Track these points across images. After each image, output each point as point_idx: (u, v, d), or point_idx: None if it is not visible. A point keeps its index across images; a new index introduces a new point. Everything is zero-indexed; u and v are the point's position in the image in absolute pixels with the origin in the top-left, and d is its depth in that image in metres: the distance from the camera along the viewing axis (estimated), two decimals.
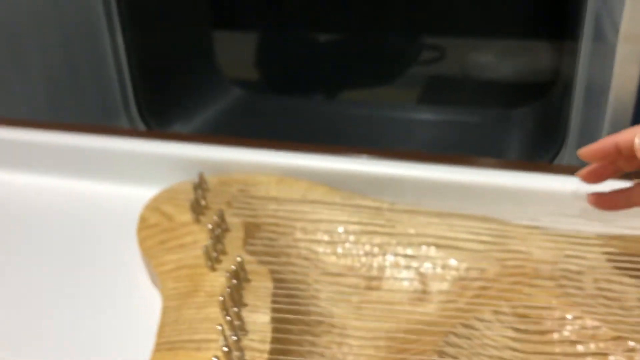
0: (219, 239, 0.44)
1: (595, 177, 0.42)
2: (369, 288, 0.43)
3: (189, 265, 0.43)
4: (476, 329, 0.37)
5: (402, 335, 0.38)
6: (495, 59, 1.06)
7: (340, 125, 1.15)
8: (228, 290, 0.38)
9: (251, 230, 0.46)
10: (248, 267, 0.41)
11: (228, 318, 0.36)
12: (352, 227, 0.46)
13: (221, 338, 0.35)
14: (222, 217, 0.46)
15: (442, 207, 0.48)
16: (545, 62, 1.02)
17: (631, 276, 0.40)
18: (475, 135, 1.06)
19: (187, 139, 0.57)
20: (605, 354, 0.35)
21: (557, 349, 0.36)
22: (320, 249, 0.45)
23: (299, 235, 0.46)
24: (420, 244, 0.44)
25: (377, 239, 0.45)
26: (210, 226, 0.44)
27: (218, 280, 0.41)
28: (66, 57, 0.90)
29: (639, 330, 0.36)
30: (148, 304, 0.45)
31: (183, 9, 1.11)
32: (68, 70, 0.91)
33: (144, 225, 0.49)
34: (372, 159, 0.53)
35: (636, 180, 0.42)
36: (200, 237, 0.45)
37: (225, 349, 0.34)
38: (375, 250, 0.44)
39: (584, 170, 0.42)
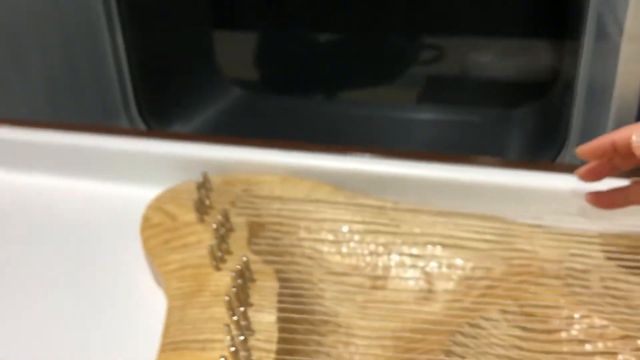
0: (223, 239, 0.43)
1: (593, 176, 0.42)
2: (374, 287, 0.43)
3: (193, 265, 0.43)
4: (483, 328, 0.37)
5: (409, 334, 0.38)
6: (495, 59, 1.06)
7: (340, 125, 1.15)
8: (234, 289, 0.38)
9: (255, 229, 0.46)
10: (253, 266, 0.41)
11: (234, 318, 0.36)
12: (356, 227, 0.46)
13: (227, 338, 0.35)
14: (226, 216, 0.45)
15: (445, 206, 0.48)
16: (546, 61, 1.02)
17: (637, 274, 0.40)
18: (476, 135, 1.06)
19: (189, 138, 0.57)
20: (614, 353, 0.35)
21: (565, 348, 0.36)
22: (325, 248, 0.45)
23: (303, 234, 0.46)
24: (425, 243, 0.44)
25: (382, 238, 0.45)
26: (214, 226, 0.44)
27: (223, 280, 0.40)
28: (66, 57, 0.90)
29: None
30: (152, 303, 0.44)
31: (183, 8, 1.11)
32: (68, 70, 0.91)
33: (147, 225, 0.48)
34: (375, 158, 0.53)
35: (634, 179, 0.42)
36: (204, 236, 0.45)
37: (233, 348, 0.34)
38: (380, 249, 0.44)
39: (582, 169, 0.42)
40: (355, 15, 1.12)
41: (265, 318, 0.37)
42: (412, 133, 1.11)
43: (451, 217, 0.46)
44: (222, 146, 0.55)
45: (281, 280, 0.41)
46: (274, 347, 0.35)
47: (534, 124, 1.03)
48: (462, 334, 0.37)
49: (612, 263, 0.40)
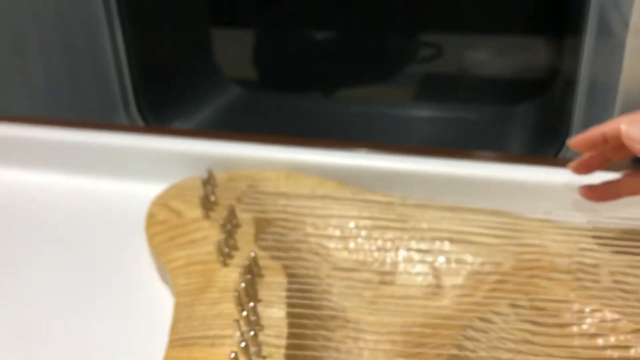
0: (230, 235, 0.43)
1: (585, 168, 0.43)
2: (383, 283, 0.42)
3: (200, 261, 0.43)
4: (493, 323, 0.37)
5: (419, 329, 0.38)
6: (495, 56, 1.06)
7: (339, 124, 1.15)
8: (242, 285, 0.37)
9: (262, 225, 0.46)
10: (261, 262, 0.41)
11: (244, 313, 0.36)
12: (363, 222, 0.46)
13: (237, 333, 0.35)
14: (232, 212, 0.45)
15: (452, 201, 0.47)
16: (546, 58, 1.02)
17: None
18: (476, 133, 1.06)
19: (192, 134, 0.56)
20: (626, 347, 0.34)
21: (576, 342, 0.36)
22: (332, 244, 0.45)
23: (309, 230, 0.46)
24: (433, 239, 0.44)
25: (389, 234, 0.45)
26: (221, 222, 0.44)
27: (231, 276, 0.40)
28: (66, 54, 0.90)
29: None
30: (158, 300, 0.44)
31: (182, 7, 1.11)
32: (68, 69, 0.90)
33: (152, 221, 0.48)
34: (380, 154, 0.53)
35: (624, 172, 0.43)
36: (210, 233, 0.45)
37: (243, 344, 0.34)
38: (388, 245, 0.44)
39: (574, 162, 0.43)
40: (354, 13, 1.11)
41: (274, 313, 0.37)
42: (411, 131, 1.11)
43: (459, 212, 0.45)
44: (226, 142, 0.55)
45: (288, 275, 0.40)
46: (283, 342, 0.35)
47: (535, 121, 1.03)
48: (473, 328, 0.36)
49: (622, 257, 0.40)
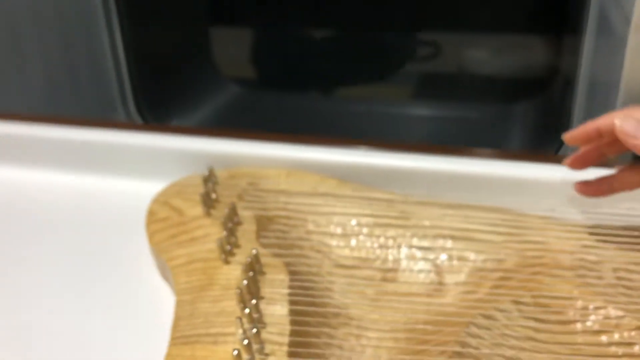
0: (232, 232, 0.43)
1: (580, 163, 0.43)
2: (385, 280, 0.42)
3: (201, 258, 0.42)
4: (497, 320, 0.37)
5: (422, 326, 0.38)
6: (494, 54, 1.06)
7: (338, 123, 1.14)
8: (245, 282, 0.37)
9: (263, 223, 0.45)
10: (263, 259, 0.40)
11: (246, 310, 0.35)
12: (365, 220, 0.46)
13: (239, 331, 0.35)
14: (234, 210, 0.45)
15: (453, 198, 0.47)
16: (546, 57, 1.02)
17: None
18: (476, 132, 1.06)
19: (193, 132, 0.56)
20: (631, 344, 0.34)
21: (580, 339, 0.35)
22: (334, 241, 0.45)
23: (311, 227, 0.46)
24: (435, 236, 0.44)
25: (391, 231, 0.45)
26: (222, 219, 0.44)
27: (233, 274, 0.40)
28: (65, 54, 0.89)
29: None
30: (159, 298, 0.44)
31: (181, 5, 1.11)
32: (66, 67, 0.90)
33: (153, 219, 0.48)
34: (380, 151, 0.53)
35: (618, 167, 0.43)
36: (211, 230, 0.44)
37: (246, 341, 0.33)
38: (390, 242, 0.44)
39: (569, 158, 0.43)
40: (353, 12, 1.11)
41: (277, 311, 0.37)
42: (410, 130, 1.11)
43: (461, 209, 0.45)
44: (226, 140, 0.55)
45: (290, 273, 0.40)
46: (286, 339, 0.35)
47: (535, 120, 1.03)
48: (476, 325, 0.36)
49: (625, 254, 0.40)
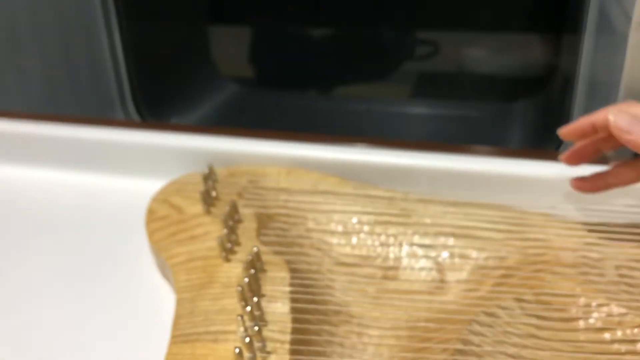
0: (232, 230, 0.43)
1: (576, 159, 0.43)
2: (386, 278, 0.42)
3: (201, 256, 0.42)
4: (499, 317, 0.37)
5: (423, 324, 0.37)
6: (494, 53, 1.06)
7: (337, 122, 1.14)
8: (246, 280, 0.37)
9: (263, 221, 0.45)
10: (264, 257, 0.40)
11: (247, 308, 0.35)
12: (365, 218, 0.45)
13: (240, 329, 0.35)
14: (234, 207, 0.45)
15: (454, 196, 0.47)
16: (545, 55, 1.02)
17: None
18: (475, 131, 1.06)
19: (193, 130, 0.56)
20: (634, 341, 0.34)
21: (583, 337, 0.35)
22: (334, 239, 0.45)
23: (311, 225, 0.46)
24: (437, 234, 0.43)
25: (392, 229, 0.44)
26: (223, 217, 0.43)
27: (233, 271, 0.40)
28: (63, 51, 0.89)
29: None
30: (159, 296, 0.44)
31: (180, 4, 1.10)
32: (65, 65, 0.90)
33: (152, 217, 0.48)
34: (381, 149, 0.53)
35: (613, 163, 0.43)
36: (211, 228, 0.44)
37: (247, 339, 0.33)
38: (391, 240, 0.44)
39: (565, 153, 0.43)
40: (352, 11, 1.11)
41: (278, 309, 0.36)
42: (409, 129, 1.10)
43: (462, 207, 0.45)
44: (226, 138, 0.55)
45: (291, 271, 0.40)
46: (288, 337, 0.35)
47: (534, 119, 1.03)
48: (478, 323, 0.36)
49: (627, 251, 0.40)
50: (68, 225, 0.51)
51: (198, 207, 0.46)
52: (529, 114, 1.04)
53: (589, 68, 0.75)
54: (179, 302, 0.39)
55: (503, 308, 0.37)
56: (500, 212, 0.44)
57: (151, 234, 0.46)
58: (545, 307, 0.37)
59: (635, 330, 0.35)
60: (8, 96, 0.79)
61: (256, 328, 0.34)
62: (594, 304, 0.36)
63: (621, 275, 0.39)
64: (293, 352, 0.34)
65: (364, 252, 0.44)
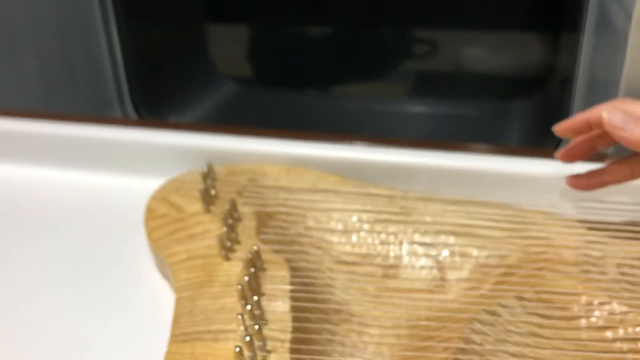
0: (232, 228, 0.43)
1: (571, 156, 0.44)
2: (386, 276, 0.42)
3: (201, 255, 0.42)
4: (500, 316, 0.37)
5: (424, 323, 0.37)
6: (493, 52, 1.06)
7: (335, 120, 1.14)
8: (246, 279, 0.37)
9: (263, 219, 0.45)
10: (263, 256, 0.40)
11: (248, 307, 0.35)
12: (366, 216, 0.45)
13: (240, 328, 0.34)
14: (234, 206, 0.44)
15: (452, 194, 0.47)
16: (544, 54, 1.02)
17: None
18: (473, 130, 1.06)
19: (192, 128, 0.56)
20: (636, 340, 0.34)
21: (585, 335, 0.35)
22: (334, 238, 0.44)
23: (311, 224, 0.45)
24: (437, 232, 0.43)
25: (393, 228, 0.44)
26: (222, 215, 0.43)
27: (233, 270, 0.39)
28: (61, 50, 0.89)
29: None
30: (158, 295, 0.43)
31: (178, 2, 1.10)
32: (62, 63, 0.89)
33: (151, 216, 0.47)
34: (380, 147, 0.52)
35: (608, 160, 0.43)
36: (210, 227, 0.44)
37: (247, 338, 0.33)
38: (391, 238, 0.44)
39: (561, 150, 0.44)
40: (350, 9, 1.11)
41: (279, 307, 0.36)
42: (408, 128, 1.10)
43: (463, 205, 0.45)
44: (225, 136, 0.54)
45: (290, 269, 0.40)
46: (288, 336, 0.34)
47: (532, 118, 1.03)
48: (480, 321, 0.36)
49: (629, 249, 0.40)
50: (66, 224, 0.51)
51: (197, 206, 0.46)
52: (528, 113, 1.04)
53: (588, 67, 0.75)
54: (179, 301, 0.39)
55: (504, 306, 0.37)
56: (500, 210, 0.44)
57: (150, 232, 0.46)
58: (547, 305, 0.37)
59: (638, 328, 0.34)
60: (6, 95, 0.79)
61: (256, 327, 0.34)
62: (595, 302, 0.36)
63: (622, 274, 0.38)
64: (293, 351, 0.34)
65: (364, 250, 0.43)
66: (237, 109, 1.16)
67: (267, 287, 0.38)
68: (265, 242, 0.43)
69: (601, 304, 0.36)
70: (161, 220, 0.47)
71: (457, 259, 0.42)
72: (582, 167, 0.44)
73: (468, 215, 0.44)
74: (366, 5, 1.09)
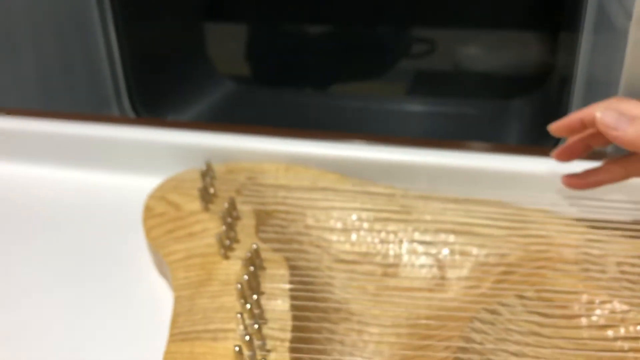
0: (231, 227, 0.42)
1: (567, 155, 0.44)
2: (386, 275, 0.42)
3: (199, 254, 0.42)
4: (500, 314, 0.36)
5: (424, 321, 0.37)
6: (492, 51, 1.06)
7: (333, 119, 1.14)
8: (245, 277, 0.37)
9: (262, 217, 0.45)
10: (263, 254, 0.40)
11: (247, 306, 0.35)
12: (365, 214, 0.45)
13: (240, 327, 0.34)
14: (233, 204, 0.44)
15: (452, 192, 0.47)
16: (543, 53, 1.02)
17: None
18: (472, 129, 1.06)
19: (190, 127, 0.55)
20: (637, 338, 0.34)
21: (585, 334, 0.35)
22: (334, 236, 0.44)
23: (310, 222, 0.45)
24: (437, 231, 0.43)
25: (392, 226, 0.44)
26: (221, 214, 0.43)
27: (232, 269, 0.39)
28: (59, 49, 0.88)
29: None
30: (156, 294, 0.43)
31: (175, 1, 1.10)
32: (60, 62, 0.89)
33: (150, 214, 0.47)
34: (380, 146, 0.52)
35: (604, 160, 0.43)
36: (209, 225, 0.44)
37: (247, 337, 0.33)
38: (391, 237, 0.43)
39: (556, 150, 0.44)
40: (348, 8, 1.11)
41: (278, 306, 0.36)
42: (406, 126, 1.10)
43: (463, 203, 0.45)
44: (224, 134, 0.54)
45: (290, 268, 0.40)
46: (288, 335, 0.34)
47: (531, 118, 1.03)
48: (480, 320, 0.36)
49: (629, 247, 0.40)
50: (64, 223, 0.51)
51: (196, 204, 0.46)
52: (526, 112, 1.04)
53: (587, 66, 0.74)
54: (177, 300, 0.39)
55: (505, 305, 0.37)
56: (500, 209, 0.44)
57: (148, 231, 0.46)
58: (547, 304, 0.37)
59: (638, 327, 0.34)
60: (4, 94, 0.79)
61: (256, 326, 0.34)
62: (596, 301, 0.36)
63: (623, 272, 0.38)
64: (293, 350, 0.34)
65: (363, 249, 0.43)
66: (235, 108, 1.16)
67: (266, 285, 0.38)
68: (264, 240, 0.43)
69: (602, 302, 0.36)
70: (160, 218, 0.46)
71: (457, 257, 0.41)
72: (580, 166, 0.44)
73: (468, 214, 0.44)
74: (365, 4, 1.09)
